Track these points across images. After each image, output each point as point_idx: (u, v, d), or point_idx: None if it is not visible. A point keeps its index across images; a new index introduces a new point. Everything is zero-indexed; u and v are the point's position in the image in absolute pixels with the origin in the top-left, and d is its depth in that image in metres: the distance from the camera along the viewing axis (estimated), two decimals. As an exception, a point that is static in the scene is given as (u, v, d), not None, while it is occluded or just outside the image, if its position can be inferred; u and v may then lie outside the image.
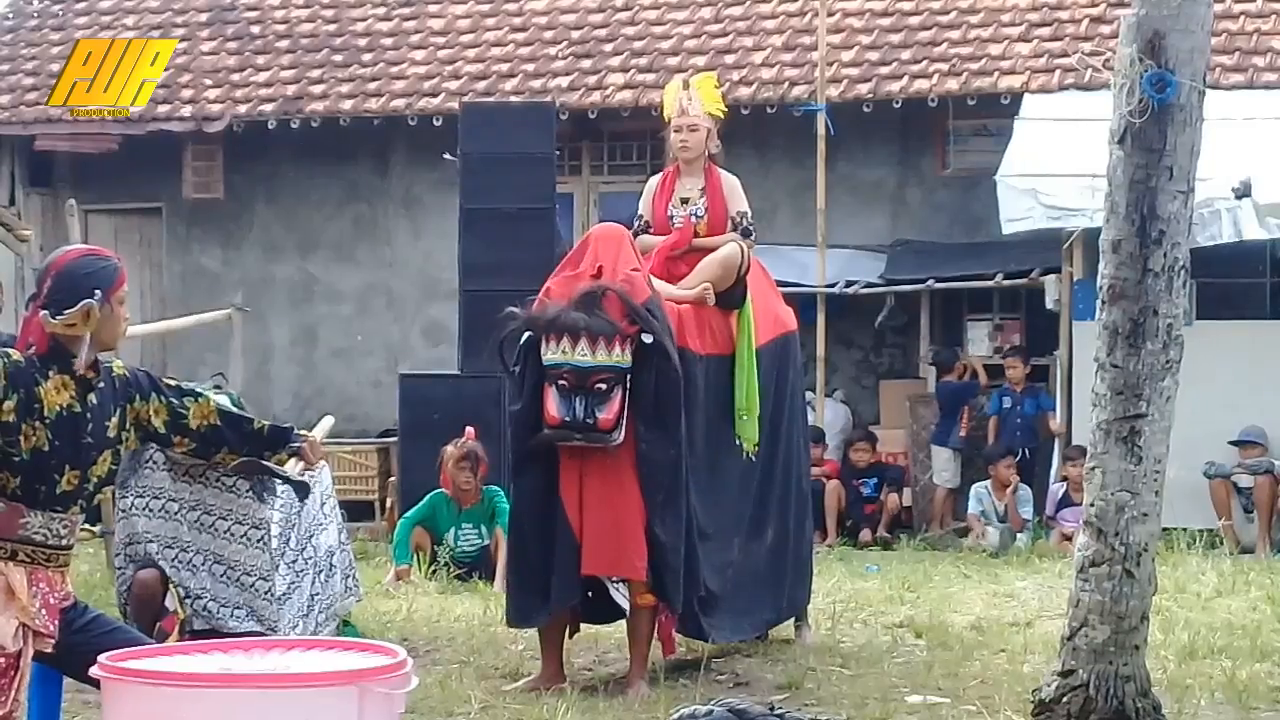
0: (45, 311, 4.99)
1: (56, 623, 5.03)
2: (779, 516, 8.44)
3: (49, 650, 5.03)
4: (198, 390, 5.42)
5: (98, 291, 4.99)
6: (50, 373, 5.00)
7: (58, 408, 4.98)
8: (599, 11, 17.32)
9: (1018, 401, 14.61)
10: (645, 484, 7.61)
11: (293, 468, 5.47)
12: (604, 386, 7.48)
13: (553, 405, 7.53)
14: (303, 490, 5.75)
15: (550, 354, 7.54)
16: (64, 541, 5.07)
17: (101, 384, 5.10)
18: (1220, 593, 10.48)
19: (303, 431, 5.50)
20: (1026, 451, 14.45)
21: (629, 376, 7.53)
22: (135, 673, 4.23)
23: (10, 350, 5.01)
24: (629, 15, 17.21)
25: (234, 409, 5.42)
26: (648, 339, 7.51)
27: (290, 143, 16.89)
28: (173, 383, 5.38)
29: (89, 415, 5.05)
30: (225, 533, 7.72)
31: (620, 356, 7.51)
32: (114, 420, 5.13)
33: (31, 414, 4.94)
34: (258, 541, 7.72)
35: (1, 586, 4.94)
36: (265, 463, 5.44)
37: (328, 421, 5.75)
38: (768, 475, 8.37)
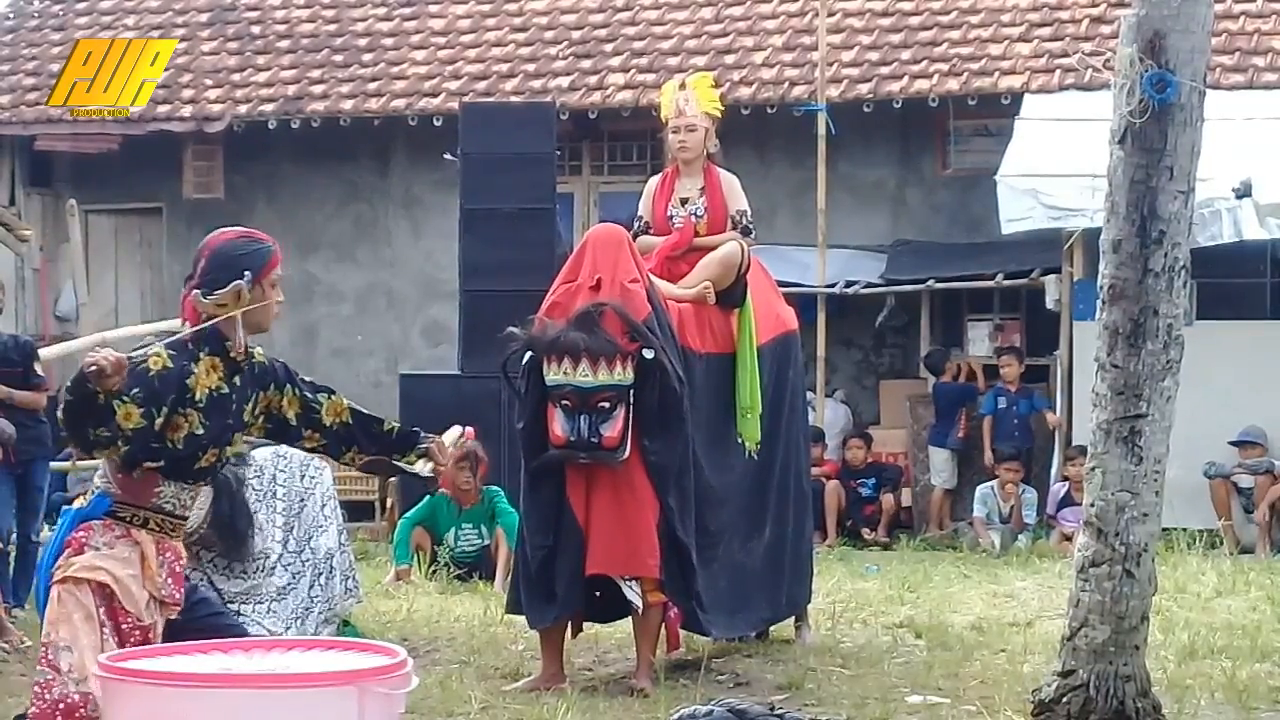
0: (198, 292, 5.05)
1: (181, 591, 5.07)
2: (778, 515, 8.43)
3: (175, 617, 5.05)
4: (331, 388, 5.43)
5: (248, 273, 5.06)
6: (201, 355, 5.04)
7: (208, 390, 5.03)
8: (599, 11, 17.31)
9: (1013, 402, 14.59)
10: (659, 490, 7.63)
11: (422, 467, 5.54)
12: (607, 405, 7.49)
13: (557, 425, 7.54)
14: (432, 484, 5.84)
15: (552, 375, 7.54)
16: (187, 512, 5.12)
17: (247, 367, 5.16)
18: (1220, 593, 10.47)
19: (430, 435, 5.52)
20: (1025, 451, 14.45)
21: (631, 392, 7.53)
22: (135, 673, 4.23)
23: (162, 350, 5.01)
24: (629, 15, 17.21)
25: (364, 410, 5.41)
26: (648, 354, 7.51)
27: (290, 143, 16.89)
28: (307, 378, 5.42)
29: (234, 396, 5.10)
30: None
31: (621, 375, 7.50)
32: (250, 405, 5.18)
33: (184, 403, 4.96)
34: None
35: (137, 555, 4.96)
36: (395, 462, 5.50)
37: (456, 430, 5.78)
38: (767, 474, 8.36)
